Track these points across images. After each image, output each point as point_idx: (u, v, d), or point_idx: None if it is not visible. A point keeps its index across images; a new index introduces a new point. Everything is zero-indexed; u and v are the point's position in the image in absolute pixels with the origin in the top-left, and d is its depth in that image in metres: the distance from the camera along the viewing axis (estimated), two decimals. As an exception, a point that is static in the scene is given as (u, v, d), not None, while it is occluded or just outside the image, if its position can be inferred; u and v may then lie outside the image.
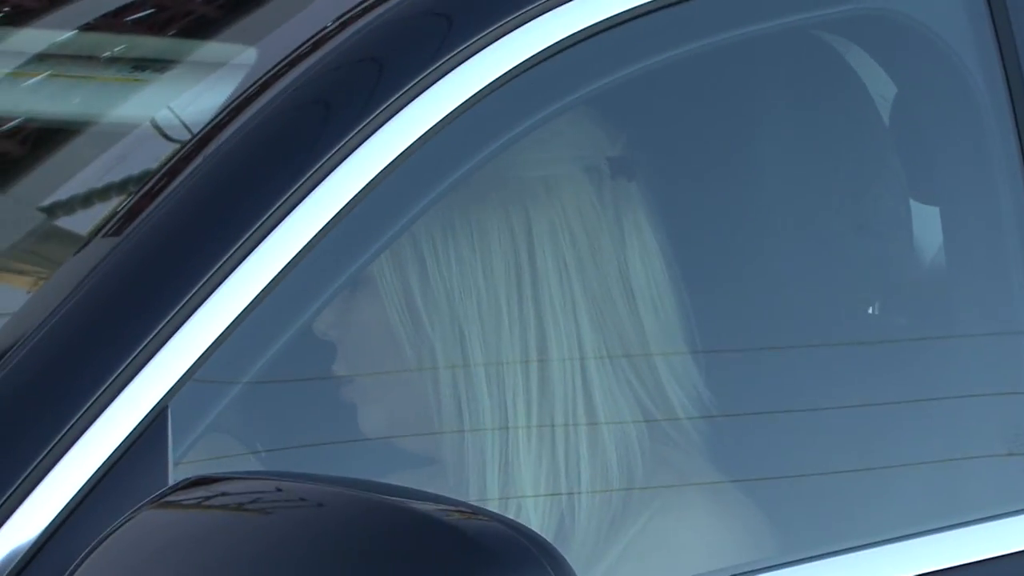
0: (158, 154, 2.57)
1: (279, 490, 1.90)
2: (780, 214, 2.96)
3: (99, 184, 2.75)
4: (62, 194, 2.76)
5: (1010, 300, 2.73)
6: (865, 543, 2.44)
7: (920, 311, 2.94)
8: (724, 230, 2.83)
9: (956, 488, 2.68)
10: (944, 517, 2.54)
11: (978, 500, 2.62)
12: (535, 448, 2.52)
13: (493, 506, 2.43)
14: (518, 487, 2.49)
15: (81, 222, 2.61)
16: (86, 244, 2.30)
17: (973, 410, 2.70)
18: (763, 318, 2.76)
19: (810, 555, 2.47)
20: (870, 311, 2.98)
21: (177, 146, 2.45)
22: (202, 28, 3.13)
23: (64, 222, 2.75)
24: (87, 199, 2.69)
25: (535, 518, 2.45)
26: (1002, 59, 2.71)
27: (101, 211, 2.57)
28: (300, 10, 2.77)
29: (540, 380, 2.55)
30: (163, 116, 2.72)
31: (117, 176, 2.73)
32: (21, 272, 2.74)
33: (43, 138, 3.01)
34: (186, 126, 2.59)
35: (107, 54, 3.09)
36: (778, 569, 2.41)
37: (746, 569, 2.42)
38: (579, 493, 2.53)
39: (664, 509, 2.47)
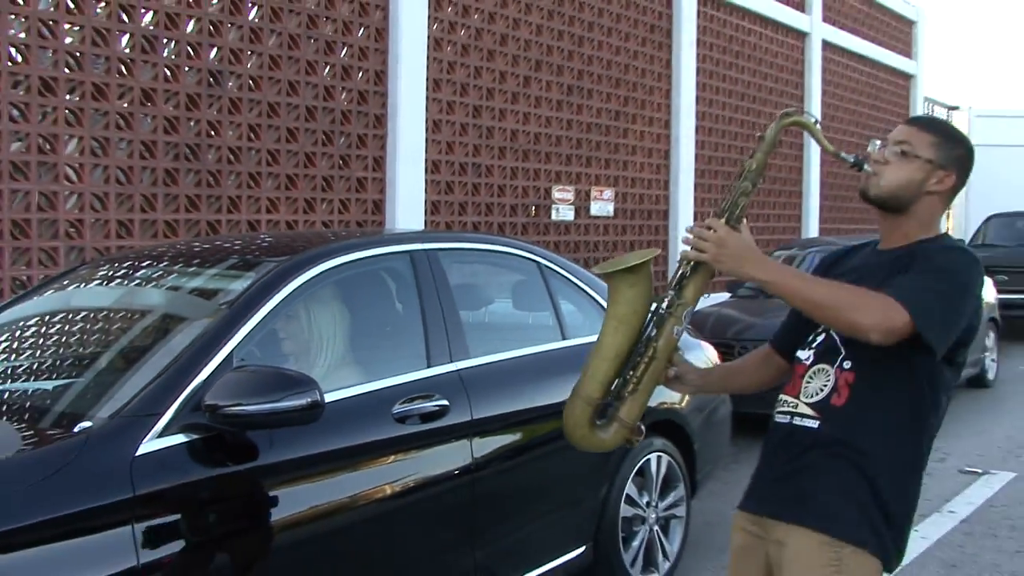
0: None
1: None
2: (374, 335, 3.92)
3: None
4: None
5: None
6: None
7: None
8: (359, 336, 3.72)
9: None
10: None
11: None
12: (321, 370, 3.40)
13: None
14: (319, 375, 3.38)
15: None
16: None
17: None
18: (370, 357, 3.76)
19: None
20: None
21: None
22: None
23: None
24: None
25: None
26: (417, 286, 3.79)
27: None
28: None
29: (325, 358, 3.45)
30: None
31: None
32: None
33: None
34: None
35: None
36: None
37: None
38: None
39: None
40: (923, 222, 2.42)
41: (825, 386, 2.37)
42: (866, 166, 2.41)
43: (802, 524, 2.33)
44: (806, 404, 2.38)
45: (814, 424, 2.36)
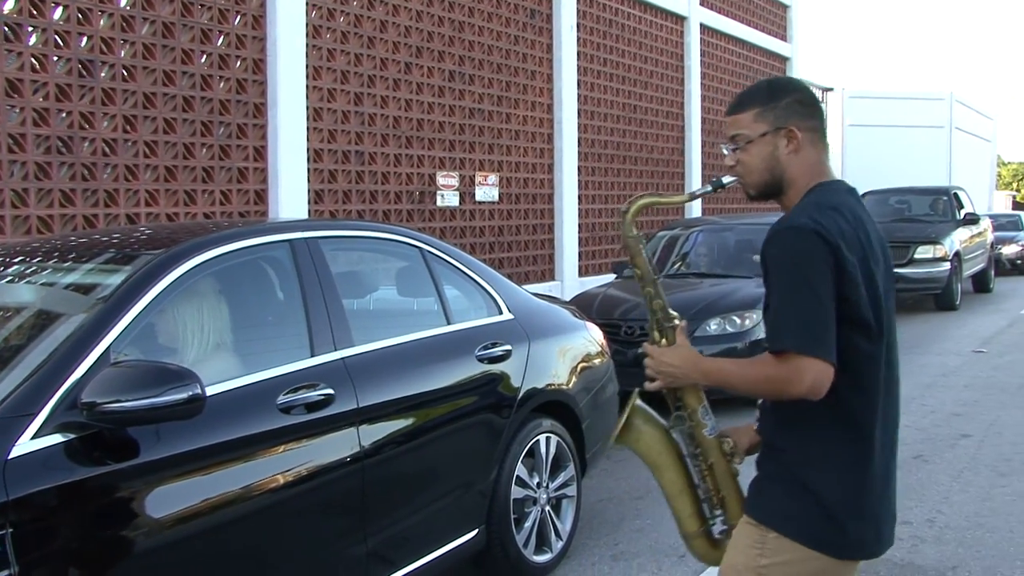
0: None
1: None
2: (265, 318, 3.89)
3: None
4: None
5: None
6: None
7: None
8: (247, 324, 3.69)
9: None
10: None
11: None
12: (202, 364, 3.24)
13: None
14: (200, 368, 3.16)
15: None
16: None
17: None
18: (252, 349, 3.61)
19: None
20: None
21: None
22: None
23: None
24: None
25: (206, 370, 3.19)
26: (298, 275, 3.74)
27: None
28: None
29: (205, 351, 3.35)
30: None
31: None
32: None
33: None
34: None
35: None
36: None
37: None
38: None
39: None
40: (798, 186, 2.34)
41: None
42: (723, 179, 2.42)
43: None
44: (756, 406, 2.41)
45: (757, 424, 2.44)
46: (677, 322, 2.43)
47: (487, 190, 10.95)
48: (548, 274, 12.04)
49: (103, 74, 7.00)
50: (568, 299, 8.33)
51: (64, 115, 6.75)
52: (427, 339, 4.18)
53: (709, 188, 2.47)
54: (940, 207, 16.25)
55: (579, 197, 12.55)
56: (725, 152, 2.42)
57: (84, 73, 6.88)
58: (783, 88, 2.37)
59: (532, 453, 4.54)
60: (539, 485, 4.58)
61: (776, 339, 2.18)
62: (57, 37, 6.74)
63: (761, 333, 7.75)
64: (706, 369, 2.35)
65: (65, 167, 6.76)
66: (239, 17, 8.06)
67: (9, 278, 3.67)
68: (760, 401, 2.39)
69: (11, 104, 6.44)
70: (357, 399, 3.61)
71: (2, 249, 4.01)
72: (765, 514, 2.29)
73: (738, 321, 7.84)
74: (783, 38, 19.59)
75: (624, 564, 4.76)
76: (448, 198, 10.34)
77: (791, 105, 2.33)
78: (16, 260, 3.73)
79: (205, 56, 7.76)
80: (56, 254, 3.73)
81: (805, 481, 2.25)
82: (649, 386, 2.41)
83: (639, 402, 2.53)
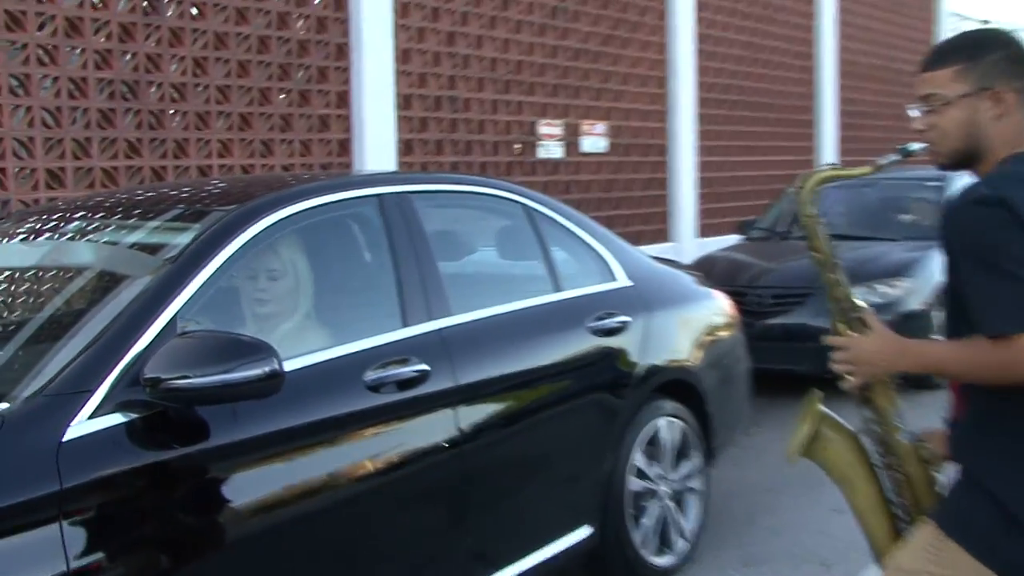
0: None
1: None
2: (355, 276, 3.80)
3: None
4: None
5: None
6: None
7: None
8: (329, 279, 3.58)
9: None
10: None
11: None
12: (299, 330, 3.32)
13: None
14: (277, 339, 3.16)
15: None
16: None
17: None
18: (336, 318, 3.53)
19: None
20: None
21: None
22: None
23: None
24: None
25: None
26: (388, 235, 3.66)
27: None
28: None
29: (283, 326, 3.34)
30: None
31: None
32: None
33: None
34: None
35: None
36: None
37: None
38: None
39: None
40: (999, 156, 2.20)
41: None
42: (911, 146, 2.35)
43: None
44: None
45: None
46: (865, 309, 2.37)
47: (594, 140, 10.73)
48: (662, 235, 11.80)
49: (170, 12, 6.96)
50: (687, 263, 8.11)
51: (129, 57, 6.73)
52: (533, 308, 4.06)
53: (896, 157, 2.39)
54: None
55: (697, 148, 12.27)
56: (914, 114, 2.29)
57: (149, 11, 6.85)
58: (990, 42, 2.23)
59: (652, 441, 4.39)
60: (660, 477, 4.43)
61: (990, 323, 2.05)
62: (121, -29, 6.71)
63: (913, 303, 7.47)
64: (917, 353, 2.27)
65: (130, 114, 6.74)
66: (319, -53, 7.97)
67: (69, 236, 3.63)
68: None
69: (71, 45, 6.43)
70: (455, 376, 3.50)
71: (62, 204, 3.99)
72: (947, 520, 2.21)
73: (886, 290, 7.53)
74: (930, -34, 18.94)
75: (757, 571, 4.60)
76: (551, 149, 10.16)
77: (998, 62, 2.19)
78: (76, 216, 3.69)
79: (282, -9, 7.69)
80: (120, 210, 3.69)
81: (993, 492, 2.13)
82: (847, 386, 2.33)
83: (822, 407, 2.47)
